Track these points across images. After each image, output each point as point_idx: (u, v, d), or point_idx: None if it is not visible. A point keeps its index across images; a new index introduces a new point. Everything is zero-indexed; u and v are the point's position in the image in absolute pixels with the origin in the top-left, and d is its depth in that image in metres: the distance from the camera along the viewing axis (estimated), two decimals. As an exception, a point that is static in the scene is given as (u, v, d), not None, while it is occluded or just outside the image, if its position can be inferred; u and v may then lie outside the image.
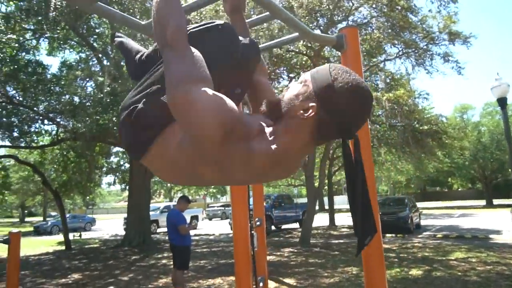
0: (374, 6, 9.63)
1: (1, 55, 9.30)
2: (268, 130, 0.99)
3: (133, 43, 1.62)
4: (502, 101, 9.78)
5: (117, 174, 18.48)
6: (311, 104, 0.92)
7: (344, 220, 21.67)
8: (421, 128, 12.76)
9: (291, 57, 10.94)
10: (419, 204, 19.06)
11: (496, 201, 31.67)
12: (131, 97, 1.21)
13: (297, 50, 10.43)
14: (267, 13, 1.58)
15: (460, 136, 16.27)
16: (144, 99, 1.19)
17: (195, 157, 0.95)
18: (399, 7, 9.06)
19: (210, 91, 0.90)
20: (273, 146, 0.95)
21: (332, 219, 18.30)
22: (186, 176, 1.06)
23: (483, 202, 32.52)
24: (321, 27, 9.89)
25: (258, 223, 3.27)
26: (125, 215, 15.01)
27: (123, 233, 17.22)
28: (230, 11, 1.38)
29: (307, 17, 9.29)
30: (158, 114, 1.14)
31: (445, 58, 10.72)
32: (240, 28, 1.37)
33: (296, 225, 18.53)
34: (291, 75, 11.69)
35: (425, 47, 10.56)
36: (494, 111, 31.37)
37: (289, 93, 0.99)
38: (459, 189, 48.21)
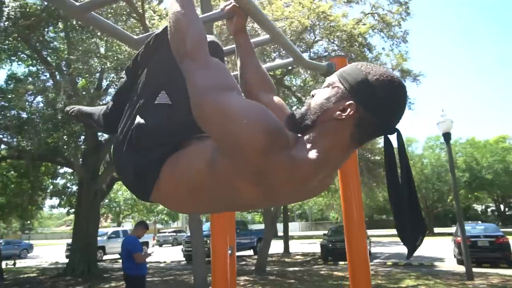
0: (334, 40, 10.15)
1: None
2: (303, 139, 0.94)
3: (87, 108, 1.58)
4: (446, 136, 10.55)
5: (63, 196, 17.30)
6: (348, 103, 0.88)
7: (298, 247, 21.76)
8: (373, 158, 13.36)
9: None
10: (368, 232, 19.68)
11: (436, 230, 33.49)
12: (121, 130, 1.15)
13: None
14: (267, 36, 1.58)
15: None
16: (138, 115, 1.13)
17: (233, 172, 0.88)
18: (357, 43, 9.62)
19: (246, 99, 0.87)
20: (314, 152, 0.90)
21: (286, 246, 18.29)
22: (215, 200, 0.99)
23: (425, 231, 34.20)
24: (283, 58, 10.21)
25: (229, 251, 3.16)
26: (68, 240, 13.97)
27: (65, 260, 15.99)
28: (234, 31, 1.37)
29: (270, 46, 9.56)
30: (161, 123, 1.11)
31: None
32: (246, 48, 1.36)
33: (250, 252, 18.28)
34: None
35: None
36: (435, 145, 33.72)
37: (317, 100, 0.95)
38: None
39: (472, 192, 31.09)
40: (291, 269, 12.48)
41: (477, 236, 12.47)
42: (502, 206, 42.47)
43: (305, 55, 10.52)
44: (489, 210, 42.00)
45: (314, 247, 20.42)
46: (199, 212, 1.37)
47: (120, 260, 18.46)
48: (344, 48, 9.56)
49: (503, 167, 29.66)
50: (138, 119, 1.11)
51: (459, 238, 10.66)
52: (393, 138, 0.93)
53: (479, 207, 42.40)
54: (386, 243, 23.55)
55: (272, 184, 0.87)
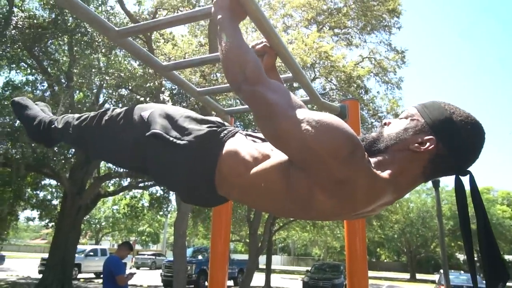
0: (332, 80, 10.45)
1: None
2: (373, 159, 0.94)
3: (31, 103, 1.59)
4: (435, 183, 10.69)
5: (43, 208, 16.84)
6: (428, 137, 0.90)
7: (278, 281, 21.30)
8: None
9: (249, 113, 11.28)
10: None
11: (418, 275, 33.22)
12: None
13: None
14: (290, 74, 1.67)
15: (395, 210, 17.32)
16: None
17: (310, 185, 0.88)
18: (355, 85, 9.92)
19: (321, 112, 0.91)
20: (387, 173, 0.91)
21: (268, 280, 17.90)
22: (286, 209, 1.01)
23: (407, 275, 33.94)
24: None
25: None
26: (42, 255, 13.46)
27: (38, 276, 15.37)
28: (265, 69, 1.44)
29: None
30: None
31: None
32: None
33: (230, 282, 17.82)
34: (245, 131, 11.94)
35: (373, 123, 11.49)
36: (421, 190, 34.06)
37: (393, 129, 0.97)
38: (386, 260, 50.10)
39: (455, 240, 31.16)
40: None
41: (460, 286, 12.43)
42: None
43: (302, 91, 10.77)
44: (471, 260, 41.83)
45: (296, 283, 20.03)
46: (270, 212, 1.36)
47: (96, 280, 17.84)
48: (342, 88, 9.84)
49: (486, 218, 29.91)
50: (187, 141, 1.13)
51: (442, 286, 10.60)
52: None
53: (461, 256, 42.35)
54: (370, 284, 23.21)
55: (350, 196, 0.87)
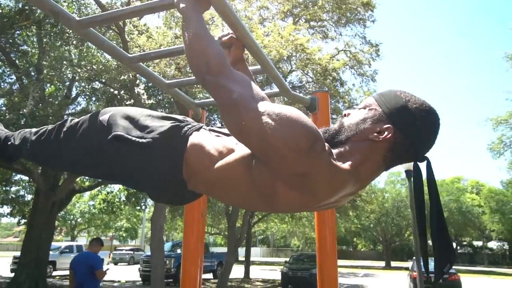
0: (307, 72, 10.50)
1: None
2: (335, 151, 0.95)
3: None
4: (408, 173, 11.01)
5: (15, 205, 16.31)
6: (385, 126, 0.92)
7: (258, 273, 21.50)
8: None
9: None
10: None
11: (393, 263, 34.23)
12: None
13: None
14: (259, 66, 1.66)
15: (370, 200, 17.71)
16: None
17: (273, 178, 0.88)
18: (331, 78, 10.01)
19: (282, 105, 0.90)
20: (348, 164, 0.92)
21: (247, 272, 18.03)
22: (250, 202, 1.00)
23: (382, 263, 34.92)
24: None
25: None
26: (14, 253, 13.06)
27: (10, 274, 14.91)
28: (232, 62, 1.43)
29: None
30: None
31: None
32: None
33: (209, 275, 17.84)
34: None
35: (348, 115, 11.67)
36: (396, 180, 34.97)
37: (352, 119, 0.98)
38: (362, 249, 51.34)
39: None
40: (250, 295, 12.29)
41: (432, 271, 12.86)
42: (454, 244, 44.23)
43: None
44: (443, 246, 43.44)
45: (275, 274, 20.27)
46: (235, 205, 1.34)
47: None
48: (318, 80, 9.91)
49: (457, 207, 31.15)
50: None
51: (415, 273, 10.96)
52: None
53: (433, 243, 43.86)
54: (345, 273, 23.76)
55: (312, 188, 0.88)
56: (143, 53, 1.66)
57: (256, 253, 46.95)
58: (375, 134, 0.93)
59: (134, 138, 1.08)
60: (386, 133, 0.92)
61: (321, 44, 12.23)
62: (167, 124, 1.12)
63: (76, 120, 1.27)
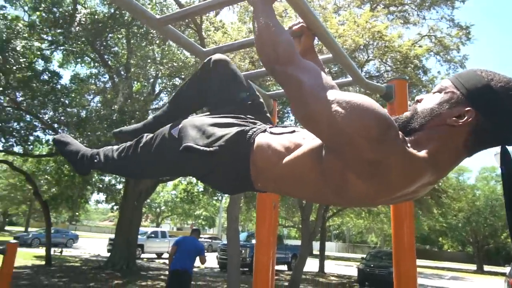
0: (385, 61, 9.94)
1: (22, 60, 9.36)
2: (409, 139, 0.90)
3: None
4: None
5: (108, 193, 18.16)
6: (466, 109, 0.85)
7: (333, 268, 21.17)
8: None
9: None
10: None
11: (487, 267, 31.20)
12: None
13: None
14: (330, 55, 1.61)
15: (458, 197, 16.29)
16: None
17: (342, 167, 0.86)
18: (412, 65, 9.36)
19: (352, 93, 0.88)
20: (424, 152, 0.87)
21: (322, 266, 17.86)
22: (320, 194, 0.99)
23: (473, 267, 32.03)
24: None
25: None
26: (110, 235, 14.60)
27: (106, 254, 16.68)
28: (303, 51, 1.41)
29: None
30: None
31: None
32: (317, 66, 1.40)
33: (284, 267, 18.04)
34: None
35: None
36: (489, 176, 31.65)
37: (427, 104, 0.92)
38: (449, 250, 47.58)
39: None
40: (324, 290, 12.16)
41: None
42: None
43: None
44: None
45: (350, 270, 19.78)
46: (306, 199, 1.42)
47: (157, 260, 18.94)
48: (398, 69, 9.32)
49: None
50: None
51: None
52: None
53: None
54: (428, 275, 22.28)
55: (384, 177, 0.83)
56: (216, 47, 1.71)
57: (331, 247, 46.26)
58: (454, 118, 0.86)
59: (202, 148, 1.14)
60: (466, 116, 0.84)
61: (402, 30, 11.48)
62: (232, 131, 1.15)
63: (150, 135, 1.39)
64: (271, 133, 1.15)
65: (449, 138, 0.87)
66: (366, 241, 49.63)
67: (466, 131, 0.86)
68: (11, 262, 3.22)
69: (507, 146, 0.88)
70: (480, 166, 45.15)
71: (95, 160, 1.54)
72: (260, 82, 7.91)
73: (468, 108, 0.85)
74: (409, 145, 0.88)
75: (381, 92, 1.87)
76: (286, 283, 11.93)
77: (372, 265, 14.08)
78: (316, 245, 27.44)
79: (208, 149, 1.13)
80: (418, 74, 9.87)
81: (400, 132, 0.87)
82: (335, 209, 18.35)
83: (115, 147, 1.52)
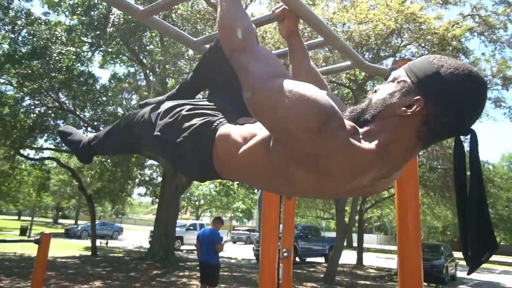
0: (423, 44, 9.45)
1: (59, 65, 9.92)
2: (360, 130, 0.87)
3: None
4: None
5: (149, 186, 18.83)
6: (415, 98, 0.81)
7: (372, 260, 20.72)
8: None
9: (332, 88, 10.88)
10: (456, 254, 17.95)
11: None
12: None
13: (339, 82, 10.36)
14: (321, 38, 1.53)
15: (507, 186, 15.31)
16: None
17: (287, 158, 0.84)
18: (451, 47, 8.84)
19: (298, 82, 0.85)
20: (373, 144, 0.83)
21: (360, 258, 17.53)
22: (273, 184, 0.99)
23: (527, 261, 30.10)
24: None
25: (285, 254, 3.13)
26: (152, 228, 15.17)
27: (148, 246, 17.35)
28: (286, 34, 1.36)
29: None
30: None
31: (496, 103, 10.25)
32: (299, 49, 1.35)
33: (321, 259, 17.90)
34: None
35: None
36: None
37: (380, 95, 0.89)
38: (501, 243, 44.98)
39: None
40: (362, 282, 11.93)
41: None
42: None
43: (390, 60, 9.98)
44: None
45: (391, 262, 19.26)
46: (264, 189, 1.45)
47: (196, 252, 19.48)
48: (435, 52, 8.84)
49: None
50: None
51: None
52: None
53: None
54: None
55: (327, 170, 0.80)
56: (205, 36, 1.69)
57: (373, 240, 45.27)
58: (404, 108, 0.82)
59: (167, 138, 1.18)
60: (415, 106, 0.81)
61: (441, 12, 10.85)
62: (198, 122, 1.15)
63: (137, 113, 1.41)
64: (237, 123, 1.13)
65: (400, 129, 0.83)
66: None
67: (417, 121, 0.82)
68: (45, 252, 3.41)
69: (461, 137, 0.84)
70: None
71: (92, 144, 1.60)
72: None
73: (417, 97, 0.81)
74: (361, 136, 0.85)
75: (384, 75, 1.76)
76: (322, 275, 11.82)
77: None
78: (355, 237, 26.92)
79: (173, 140, 1.15)
80: (458, 56, 9.30)
81: (352, 124, 0.85)
82: (373, 201, 17.88)
83: (107, 128, 1.61)
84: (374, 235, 48.77)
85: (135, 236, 29.21)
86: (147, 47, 14.32)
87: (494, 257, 33.68)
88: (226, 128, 1.10)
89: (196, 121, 1.16)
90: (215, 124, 1.14)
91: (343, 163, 0.79)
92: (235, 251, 20.93)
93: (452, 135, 0.84)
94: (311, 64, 1.36)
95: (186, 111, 1.22)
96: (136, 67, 14.81)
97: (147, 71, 13.68)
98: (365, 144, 0.83)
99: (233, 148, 1.03)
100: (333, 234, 23.74)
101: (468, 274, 0.90)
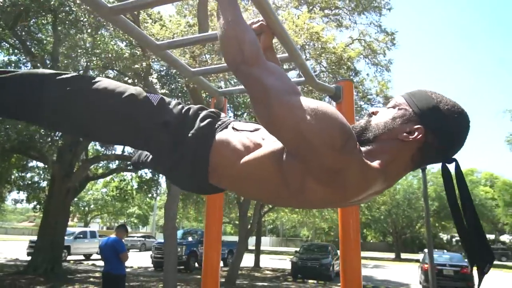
0: (322, 62, 10.39)
1: None
2: (362, 149, 0.94)
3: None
4: (422, 164, 10.92)
5: (30, 191, 16.63)
6: (416, 126, 0.91)
7: (267, 262, 21.67)
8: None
9: (239, 95, 11.19)
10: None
11: (403, 255, 34.16)
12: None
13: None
14: (286, 55, 1.65)
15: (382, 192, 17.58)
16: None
17: (303, 173, 0.88)
18: (345, 67, 9.89)
19: (316, 100, 0.90)
20: (377, 162, 0.92)
21: (257, 261, 18.19)
22: (277, 196, 1.00)
23: (392, 255, 34.84)
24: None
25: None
26: (30, 237, 13.43)
27: (26, 258, 15.31)
28: (263, 49, 1.42)
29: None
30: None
31: (378, 118, 11.71)
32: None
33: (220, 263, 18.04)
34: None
35: (362, 105, 11.55)
36: (408, 172, 34.59)
37: (381, 118, 0.98)
38: (372, 241, 51.23)
39: (439, 221, 32.00)
40: (260, 283, 12.42)
41: (443, 264, 12.83)
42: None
43: (294, 73, 10.70)
44: (454, 240, 43.28)
45: (284, 263, 20.41)
46: (264, 201, 1.36)
47: (85, 262, 17.84)
48: (333, 70, 9.80)
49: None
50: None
51: (426, 265, 10.92)
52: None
53: (444, 236, 43.57)
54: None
55: (343, 185, 0.88)
56: (170, 40, 1.66)
57: (266, 242, 47.25)
58: (405, 134, 0.92)
59: (181, 130, 1.11)
60: (416, 133, 0.91)
61: (335, 33, 12.07)
62: (205, 122, 1.14)
63: (88, 77, 1.19)
64: (233, 128, 1.14)
65: (399, 152, 0.93)
66: (298, 235, 51.53)
67: (414, 147, 0.92)
68: None
69: (447, 164, 0.97)
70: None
71: None
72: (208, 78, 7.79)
73: (419, 126, 0.91)
74: (363, 155, 0.93)
75: (330, 92, 1.96)
76: (223, 279, 11.95)
77: (304, 258, 14.68)
78: (251, 240, 27.82)
79: (186, 133, 1.11)
80: (351, 75, 10.47)
81: (357, 142, 0.92)
82: (271, 205, 18.78)
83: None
84: (267, 238, 50.97)
85: (7, 247, 25.37)
86: (36, 35, 12.77)
87: (365, 253, 38.27)
88: (225, 133, 1.11)
89: (204, 121, 1.15)
90: (216, 126, 1.13)
91: (358, 178, 0.88)
92: (130, 260, 19.73)
93: (439, 161, 0.96)
94: None
95: (198, 107, 1.21)
96: (21, 56, 13.05)
97: (36, 62, 12.16)
98: (371, 163, 0.92)
99: (233, 157, 1.04)
100: (230, 238, 24.17)
101: (478, 286, 1.00)
